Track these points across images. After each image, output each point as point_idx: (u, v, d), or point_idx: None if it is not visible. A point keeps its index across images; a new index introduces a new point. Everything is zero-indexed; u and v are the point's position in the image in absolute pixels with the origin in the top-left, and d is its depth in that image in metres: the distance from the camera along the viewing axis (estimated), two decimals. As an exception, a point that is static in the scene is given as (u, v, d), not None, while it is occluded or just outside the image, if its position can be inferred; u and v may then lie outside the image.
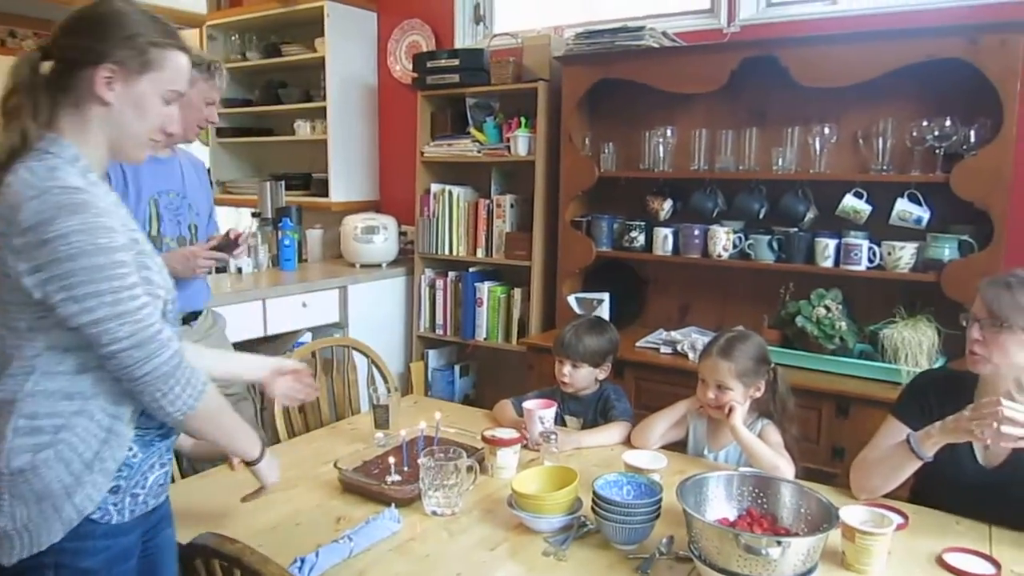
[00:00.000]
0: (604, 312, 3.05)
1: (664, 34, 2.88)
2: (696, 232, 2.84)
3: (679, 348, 2.78)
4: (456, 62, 3.25)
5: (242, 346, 3.16)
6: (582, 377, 2.21)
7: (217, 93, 2.34)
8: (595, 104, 3.09)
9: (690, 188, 2.88)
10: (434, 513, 1.67)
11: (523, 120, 3.18)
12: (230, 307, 2.97)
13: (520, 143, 3.18)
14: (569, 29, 3.20)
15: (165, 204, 2.27)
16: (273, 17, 3.83)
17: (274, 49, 3.91)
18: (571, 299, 3.09)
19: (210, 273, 2.50)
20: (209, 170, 2.43)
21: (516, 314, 3.29)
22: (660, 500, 1.52)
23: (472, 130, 3.35)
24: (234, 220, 4.55)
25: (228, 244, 2.28)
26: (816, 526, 1.42)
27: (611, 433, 2.12)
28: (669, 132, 2.88)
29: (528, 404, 2.10)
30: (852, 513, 1.45)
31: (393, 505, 1.65)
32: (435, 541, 1.56)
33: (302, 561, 1.40)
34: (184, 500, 1.81)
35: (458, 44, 3.60)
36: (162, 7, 2.72)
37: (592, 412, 2.24)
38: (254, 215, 3.97)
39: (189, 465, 2.18)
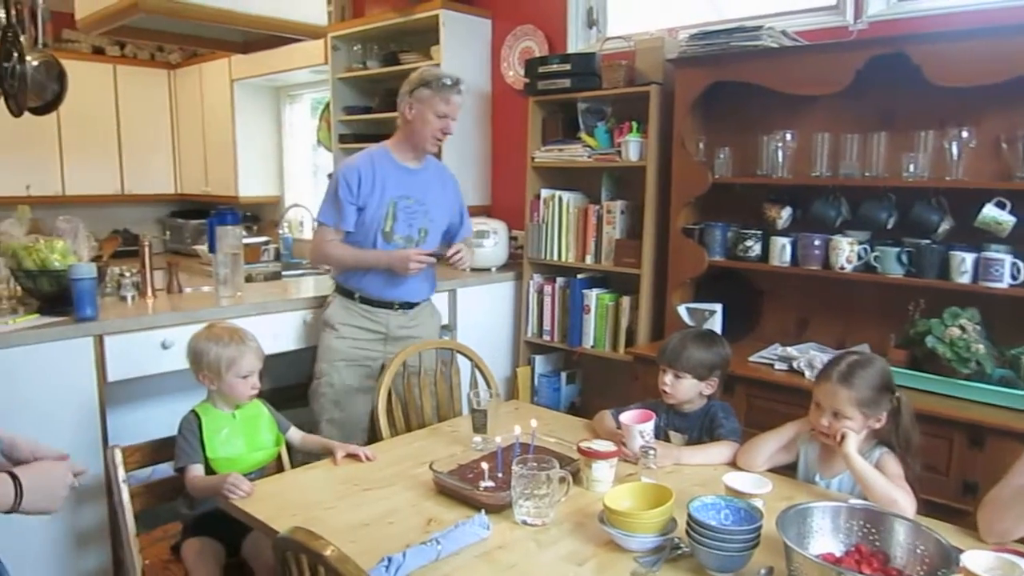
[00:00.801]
0: (716, 324, 2.95)
1: (784, 33, 2.75)
2: (817, 242, 2.69)
3: (795, 365, 2.65)
4: (567, 67, 3.24)
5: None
6: (684, 389, 2.14)
7: (451, 108, 2.68)
8: (709, 107, 2.99)
9: (811, 195, 2.74)
10: (524, 522, 1.66)
11: (634, 124, 3.12)
12: (343, 307, 3.07)
13: (631, 148, 3.12)
14: (683, 31, 3.11)
15: (403, 207, 2.68)
16: (392, 27, 3.95)
17: (392, 57, 4.03)
18: (681, 309, 3.00)
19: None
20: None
21: (624, 323, 3.24)
22: (759, 528, 1.45)
23: (583, 135, 3.33)
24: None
25: (443, 257, 2.69)
26: (933, 570, 1.31)
27: (716, 452, 2.03)
28: (788, 136, 2.75)
29: (626, 417, 2.05)
30: (977, 559, 1.30)
31: (483, 511, 1.65)
32: (523, 551, 1.55)
33: (389, 560, 1.42)
34: (291, 490, 1.89)
35: (570, 49, 3.59)
36: (288, 20, 2.87)
37: (697, 429, 2.16)
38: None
39: (297, 457, 2.28)
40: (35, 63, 2.98)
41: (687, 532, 1.48)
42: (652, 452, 1.87)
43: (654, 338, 3.13)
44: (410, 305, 2.81)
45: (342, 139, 4.39)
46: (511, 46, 3.82)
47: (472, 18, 3.82)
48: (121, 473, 2.06)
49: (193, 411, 2.11)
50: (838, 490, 1.85)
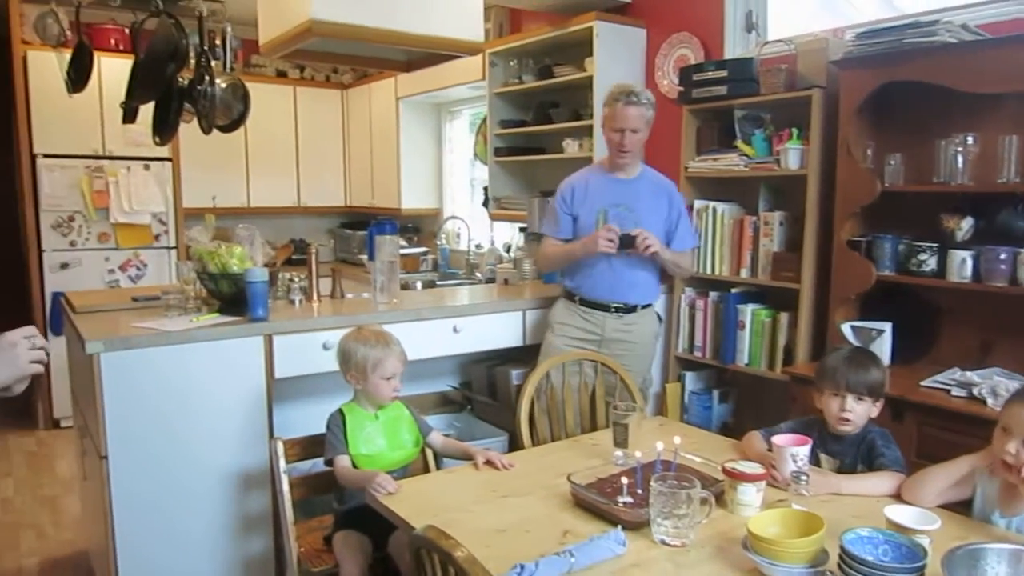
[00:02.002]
0: (885, 345, 2.72)
1: (964, 27, 2.50)
2: (1003, 256, 2.42)
3: (976, 392, 2.39)
4: (724, 73, 3.13)
5: (503, 353, 3.32)
6: (862, 414, 1.98)
7: (621, 121, 2.84)
8: (878, 111, 2.78)
9: (996, 204, 2.47)
10: (663, 542, 1.60)
11: (795, 131, 2.96)
12: (493, 316, 3.13)
13: (791, 156, 2.96)
14: (850, 30, 2.92)
15: (613, 215, 2.89)
16: (547, 40, 4.00)
17: (547, 71, 4.07)
18: (846, 328, 2.80)
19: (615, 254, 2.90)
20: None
21: (781, 340, 3.07)
22: (923, 567, 1.31)
23: (739, 143, 3.20)
24: (508, 235, 4.82)
25: (629, 238, 2.78)
26: None
27: (878, 482, 1.87)
28: (970, 140, 2.49)
29: (779, 439, 1.93)
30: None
31: (620, 527, 1.61)
32: (659, 571, 1.50)
33: (522, 568, 1.42)
34: (432, 491, 1.94)
35: (727, 55, 3.46)
36: (448, 38, 2.97)
37: (853, 455, 2.00)
38: (521, 230, 4.16)
39: (439, 461, 2.34)
40: (223, 85, 3.27)
41: (839, 566, 1.37)
42: (805, 478, 1.75)
43: (814, 357, 2.94)
44: (627, 309, 2.94)
45: (497, 152, 4.49)
46: (666, 55, 3.75)
47: (626, 28, 3.79)
48: (282, 464, 2.21)
49: (339, 409, 2.22)
50: (1018, 531, 1.64)
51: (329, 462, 2.17)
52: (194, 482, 2.49)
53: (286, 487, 2.20)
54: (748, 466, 1.79)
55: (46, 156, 4.73)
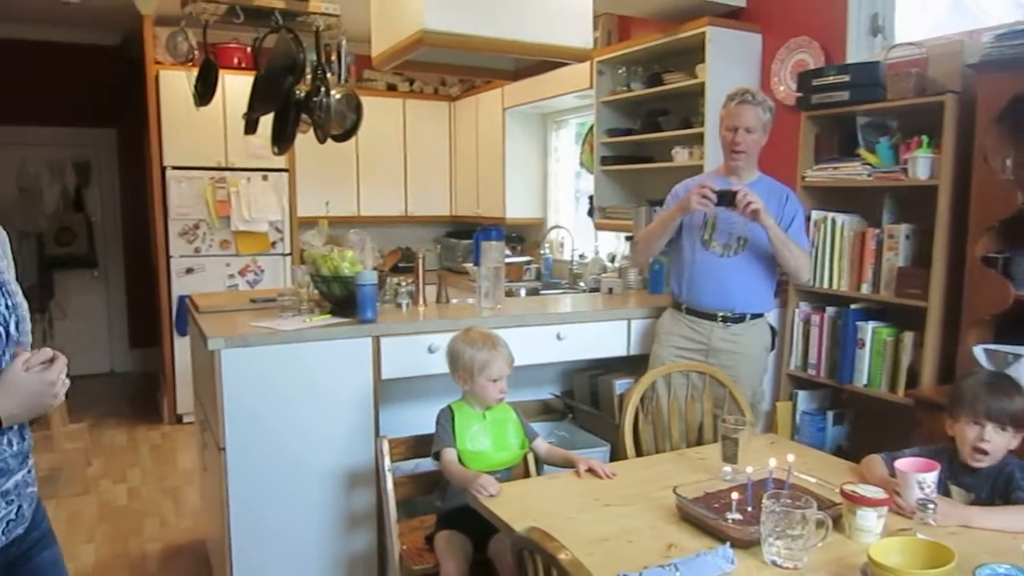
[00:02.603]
0: (1022, 370, 2.53)
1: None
2: None
3: None
4: (846, 78, 3.00)
5: (607, 363, 3.29)
6: (1002, 445, 1.84)
7: (734, 119, 2.82)
8: (1018, 118, 2.59)
9: None
10: (773, 563, 1.54)
11: (925, 139, 2.80)
12: (597, 324, 3.11)
13: (920, 165, 2.80)
14: (988, 32, 2.74)
15: (722, 218, 2.83)
16: (657, 47, 3.95)
17: (656, 78, 4.03)
18: (979, 351, 2.61)
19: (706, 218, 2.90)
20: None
21: (905, 361, 2.89)
22: (1070, 607, 1.20)
23: (862, 151, 3.05)
24: (612, 245, 4.78)
25: (728, 195, 2.69)
26: None
27: (1015, 518, 1.72)
28: None
29: (904, 463, 1.82)
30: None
31: (729, 544, 1.56)
32: (770, 593, 1.43)
33: (625, 580, 1.39)
34: (534, 496, 1.94)
35: (850, 59, 3.32)
36: (556, 45, 2.99)
37: (988, 490, 1.85)
38: (628, 239, 4.12)
39: (540, 468, 2.33)
40: (338, 96, 3.41)
41: (972, 601, 1.27)
42: (932, 507, 1.63)
43: (942, 381, 2.76)
44: (735, 318, 2.86)
45: (604, 161, 4.47)
46: (783, 60, 3.63)
47: (741, 34, 3.70)
48: (387, 462, 2.26)
49: (449, 406, 2.26)
50: None
51: (436, 455, 2.20)
52: (304, 476, 2.58)
53: (390, 485, 2.25)
54: (869, 490, 1.69)
55: (174, 168, 5.05)
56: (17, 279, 1.40)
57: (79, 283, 6.56)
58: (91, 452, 4.48)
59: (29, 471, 1.37)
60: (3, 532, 1.31)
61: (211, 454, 2.66)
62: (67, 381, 1.35)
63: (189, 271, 5.10)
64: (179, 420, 5.16)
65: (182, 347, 4.84)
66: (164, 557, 3.33)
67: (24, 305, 1.34)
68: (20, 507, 1.35)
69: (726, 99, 2.86)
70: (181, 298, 4.93)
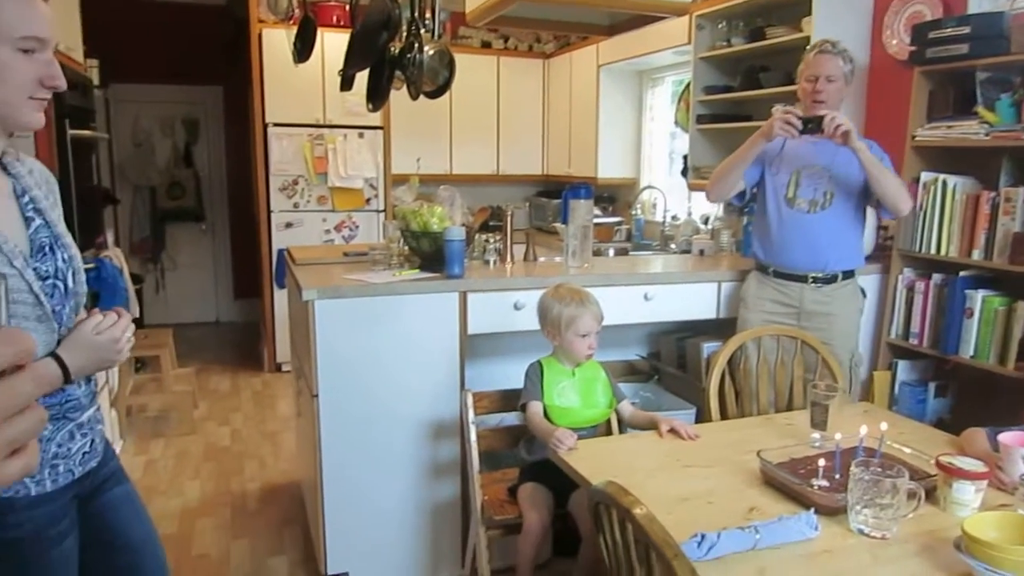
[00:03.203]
0: None
1: None
2: None
3: None
4: (966, 29, 2.79)
5: (695, 325, 3.24)
6: None
7: (813, 68, 2.73)
8: None
9: None
10: (860, 531, 1.50)
11: (1053, 95, 2.59)
12: (686, 286, 3.06)
13: (1045, 123, 2.60)
14: None
15: (806, 174, 2.77)
16: (760, 0, 3.78)
17: (759, 33, 3.86)
18: (1100, 322, 2.44)
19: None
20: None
21: (1017, 332, 2.72)
22: None
23: (980, 109, 2.85)
24: (706, 206, 4.66)
25: (815, 120, 2.58)
26: None
27: None
28: None
29: (1008, 437, 1.73)
30: None
31: (813, 510, 1.52)
32: (854, 561, 1.41)
33: (703, 537, 1.39)
34: (615, 453, 1.95)
35: (971, 10, 3.09)
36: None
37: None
38: (721, 200, 4.00)
39: (623, 429, 2.34)
40: (431, 52, 3.41)
41: (1075, 582, 1.21)
42: (1036, 482, 1.55)
43: (1057, 353, 2.59)
44: (826, 279, 2.78)
45: (699, 119, 4.34)
46: (897, 12, 3.41)
47: (852, -16, 3.49)
48: (471, 415, 2.31)
49: (539, 361, 2.29)
50: None
51: (523, 407, 2.24)
52: (392, 424, 2.66)
53: (474, 437, 2.30)
54: (967, 463, 1.62)
55: (276, 125, 5.21)
56: (69, 227, 1.44)
57: (188, 235, 6.92)
58: (197, 396, 4.76)
59: (97, 409, 1.47)
60: (80, 463, 1.40)
61: (305, 401, 2.78)
62: (132, 339, 1.42)
63: (288, 226, 5.29)
64: (278, 369, 5.41)
65: (281, 299, 5.06)
66: (262, 496, 3.53)
67: (78, 256, 1.40)
68: (93, 440, 1.43)
69: (805, 52, 2.80)
70: (280, 251, 5.13)
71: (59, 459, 1.36)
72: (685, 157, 4.54)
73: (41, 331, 1.29)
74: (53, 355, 1.30)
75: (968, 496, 1.59)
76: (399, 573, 2.75)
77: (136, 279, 4.97)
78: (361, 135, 5.38)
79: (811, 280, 2.77)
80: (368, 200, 5.46)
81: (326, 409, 2.58)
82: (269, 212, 5.27)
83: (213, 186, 6.95)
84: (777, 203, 2.81)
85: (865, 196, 2.78)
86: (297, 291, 2.68)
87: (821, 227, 2.74)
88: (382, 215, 5.47)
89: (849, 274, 2.82)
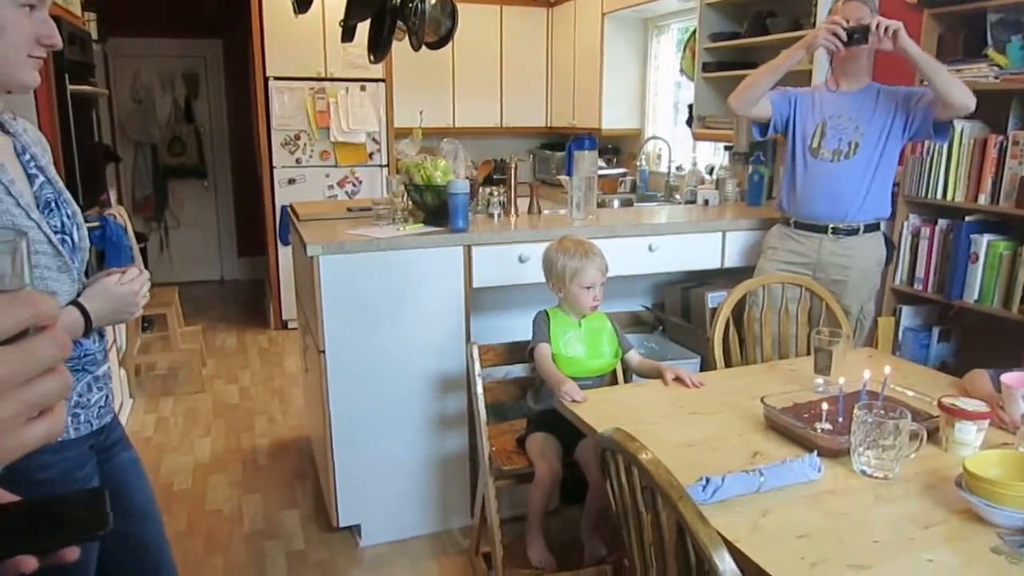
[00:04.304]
0: None
1: None
2: None
3: None
4: (978, -32, 2.74)
5: (700, 276, 3.25)
6: None
7: (846, 15, 2.58)
8: None
9: None
10: (863, 472, 1.53)
11: (1064, 35, 2.55)
12: (690, 236, 3.06)
13: (1056, 64, 2.56)
14: None
15: (832, 124, 2.75)
16: (769, -58, 3.70)
17: (766, -24, 3.78)
18: (1107, 265, 2.44)
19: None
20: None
21: (1022, 276, 2.72)
22: None
23: (990, 51, 2.81)
24: (711, 156, 4.63)
25: (861, 29, 2.50)
26: None
27: None
28: None
29: (1011, 377, 1.75)
30: None
31: (816, 453, 1.55)
32: (856, 501, 1.43)
33: (707, 481, 1.41)
34: (621, 403, 1.97)
35: (985, -53, 3.02)
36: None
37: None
38: (727, 148, 3.98)
39: (629, 378, 2.36)
40: (433, 2, 3.37)
41: (1073, 517, 1.23)
42: (1038, 422, 1.57)
43: (1062, 297, 2.60)
44: (848, 230, 2.76)
45: (705, 67, 4.27)
46: (907, -49, 3.34)
47: (862, -77, 3.40)
48: (477, 367, 2.33)
49: (545, 311, 2.31)
50: None
51: (531, 352, 2.26)
52: (399, 378, 2.70)
53: (480, 389, 2.32)
54: (970, 403, 1.64)
55: (276, 79, 5.16)
56: (71, 185, 1.47)
57: (191, 193, 6.92)
58: (205, 354, 4.81)
59: (109, 366, 1.51)
60: (97, 416, 1.44)
61: (312, 356, 2.81)
62: (148, 295, 1.47)
63: (291, 182, 5.27)
64: (284, 326, 5.45)
65: (285, 256, 5.07)
66: (272, 451, 3.59)
67: (79, 212, 1.42)
68: (107, 396, 1.48)
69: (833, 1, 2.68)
70: (283, 208, 5.12)
71: (80, 408, 1.39)
72: (690, 106, 4.49)
73: (64, 281, 1.33)
74: (75, 303, 1.34)
75: (970, 436, 1.61)
76: (410, 524, 2.81)
77: (140, 237, 4.98)
78: (363, 88, 5.33)
79: (831, 231, 2.76)
80: (371, 155, 5.43)
81: (333, 364, 2.60)
82: (272, 168, 5.25)
83: (215, 142, 6.92)
84: (803, 153, 2.80)
85: (896, 146, 2.72)
86: (301, 247, 2.69)
87: (844, 176, 2.72)
88: (385, 170, 5.45)
89: (872, 227, 2.79)
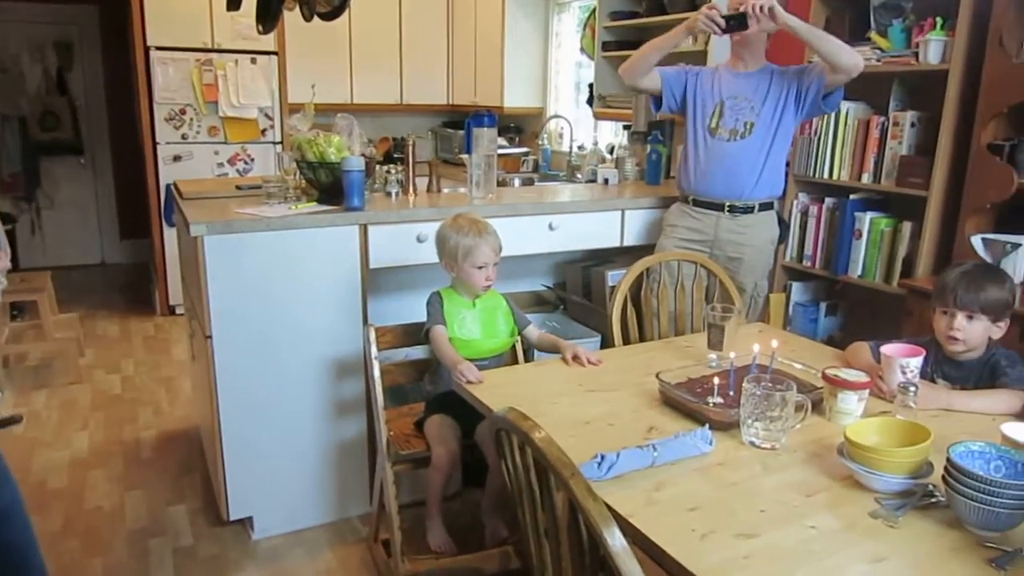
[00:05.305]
0: (1021, 260, 2.52)
1: None
2: None
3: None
4: (861, -47, 2.86)
5: (600, 254, 3.28)
6: (977, 334, 1.86)
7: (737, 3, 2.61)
8: (1043, -3, 2.49)
9: None
10: (752, 443, 1.58)
11: (939, 21, 2.69)
12: (590, 215, 3.08)
13: (932, 49, 2.70)
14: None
15: (730, 105, 2.80)
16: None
17: (663, -44, 3.84)
18: (976, 240, 2.61)
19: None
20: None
21: (901, 251, 2.88)
22: (1040, 485, 1.23)
23: (873, 35, 2.94)
24: (610, 135, 4.69)
25: (738, 17, 2.57)
26: None
27: (997, 400, 1.77)
28: None
29: (889, 348, 1.84)
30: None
31: (708, 426, 1.58)
32: (746, 472, 1.48)
33: (602, 457, 1.43)
34: (519, 383, 1.97)
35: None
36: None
37: (973, 379, 1.89)
38: (626, 127, 4.03)
39: (531, 356, 2.36)
40: (324, -30, 3.25)
41: (944, 479, 1.31)
42: (913, 390, 1.66)
43: (936, 271, 2.76)
44: (743, 209, 2.81)
45: (605, 47, 4.32)
46: (796, -65, 3.45)
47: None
48: (374, 350, 2.28)
49: (438, 292, 2.28)
50: None
51: (426, 334, 2.23)
52: (292, 364, 2.61)
53: (377, 373, 2.27)
54: (851, 374, 1.72)
55: (159, 49, 4.88)
56: None
57: (66, 170, 6.50)
58: (83, 343, 4.54)
59: None
60: None
61: (199, 342, 2.69)
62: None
63: (176, 159, 5.03)
64: (171, 312, 5.21)
65: (172, 238, 4.83)
66: (158, 444, 3.43)
67: None
68: None
69: None
70: (168, 187, 4.88)
71: None
72: (591, 86, 4.53)
73: None
74: None
75: (852, 406, 1.68)
76: (305, 514, 2.74)
77: (7, 219, 4.66)
78: (254, 60, 5.11)
79: (727, 209, 2.82)
80: (264, 131, 5.23)
81: (221, 350, 2.50)
82: (155, 144, 4.99)
83: (92, 116, 6.51)
84: (703, 132, 2.84)
85: (789, 125, 2.79)
86: (185, 227, 2.56)
87: (740, 156, 2.78)
88: (279, 147, 5.26)
89: (766, 205, 2.87)
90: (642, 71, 2.85)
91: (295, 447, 2.68)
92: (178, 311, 5.15)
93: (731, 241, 2.84)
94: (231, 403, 2.54)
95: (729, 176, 2.81)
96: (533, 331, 2.35)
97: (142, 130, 5.11)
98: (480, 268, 2.21)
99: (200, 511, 2.86)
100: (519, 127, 5.85)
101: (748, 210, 2.83)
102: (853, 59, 2.55)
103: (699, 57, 3.63)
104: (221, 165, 5.15)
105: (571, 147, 4.88)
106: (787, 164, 2.97)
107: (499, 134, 3.97)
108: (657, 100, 2.95)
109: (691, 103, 2.88)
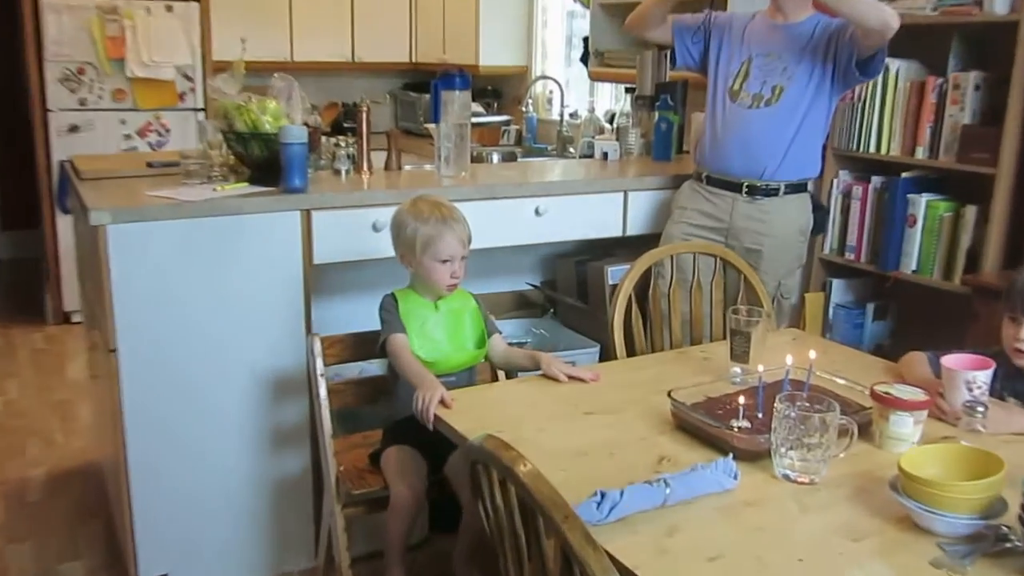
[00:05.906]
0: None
1: None
2: None
3: None
4: None
5: (598, 245, 3.29)
6: None
7: None
8: None
9: None
10: (785, 477, 1.58)
11: (1009, -39, 2.73)
12: (586, 197, 3.09)
13: (999, -4, 2.74)
14: None
15: (758, 64, 2.80)
16: None
17: None
18: (1055, 227, 2.64)
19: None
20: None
21: (965, 242, 2.92)
22: None
23: (928, -22, 2.97)
24: (610, 100, 4.70)
25: None
26: None
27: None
28: None
29: (951, 360, 1.85)
30: None
31: (732, 456, 1.58)
32: (778, 512, 1.48)
33: (603, 496, 1.41)
34: (499, 404, 1.97)
35: None
36: None
37: (1053, 399, 1.90)
38: (628, 91, 4.04)
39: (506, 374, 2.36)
40: None
41: (1021, 519, 1.31)
42: (982, 410, 1.67)
43: (1008, 264, 2.80)
44: (765, 190, 2.81)
45: (603, -9, 4.33)
46: None
47: None
48: (319, 365, 2.27)
49: (392, 293, 2.27)
50: None
51: (383, 347, 2.21)
52: (218, 384, 2.59)
53: (324, 392, 2.26)
54: (906, 391, 1.72)
55: (50, -7, 4.86)
56: None
57: (-67, 146, 6.43)
58: (-43, 357, 4.51)
59: None
60: None
61: (100, 357, 2.66)
62: None
63: (73, 129, 5.00)
64: (66, 319, 5.19)
65: (67, 228, 4.79)
66: (49, 484, 3.40)
67: None
68: None
69: None
70: (63, 164, 4.83)
71: None
72: (586, 40, 4.54)
73: None
74: None
75: (906, 429, 1.69)
76: (235, 570, 2.73)
77: None
78: (170, 9, 5.12)
79: (745, 190, 2.83)
80: (182, 95, 5.22)
81: (128, 367, 2.47)
82: (46, 112, 4.97)
83: (-35, 78, 6.45)
84: (723, 96, 2.85)
85: (827, 91, 2.77)
86: (83, 214, 2.53)
87: (762, 126, 2.78)
88: (201, 114, 5.24)
89: (796, 187, 2.86)
90: (654, 22, 2.85)
91: (222, 487, 2.66)
92: (75, 319, 5.11)
93: (748, 229, 2.85)
94: (141, 433, 2.52)
95: (746, 150, 2.81)
96: (499, 342, 2.34)
97: (30, 94, 5.06)
98: (444, 263, 2.20)
99: (101, 569, 2.85)
100: (498, 90, 5.87)
101: (771, 192, 2.83)
102: (881, 14, 2.49)
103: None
104: (129, 137, 5.14)
105: (562, 115, 4.90)
106: (827, 137, 2.99)
107: (473, 99, 3.96)
108: (675, 54, 2.96)
109: (713, 59, 2.90)
